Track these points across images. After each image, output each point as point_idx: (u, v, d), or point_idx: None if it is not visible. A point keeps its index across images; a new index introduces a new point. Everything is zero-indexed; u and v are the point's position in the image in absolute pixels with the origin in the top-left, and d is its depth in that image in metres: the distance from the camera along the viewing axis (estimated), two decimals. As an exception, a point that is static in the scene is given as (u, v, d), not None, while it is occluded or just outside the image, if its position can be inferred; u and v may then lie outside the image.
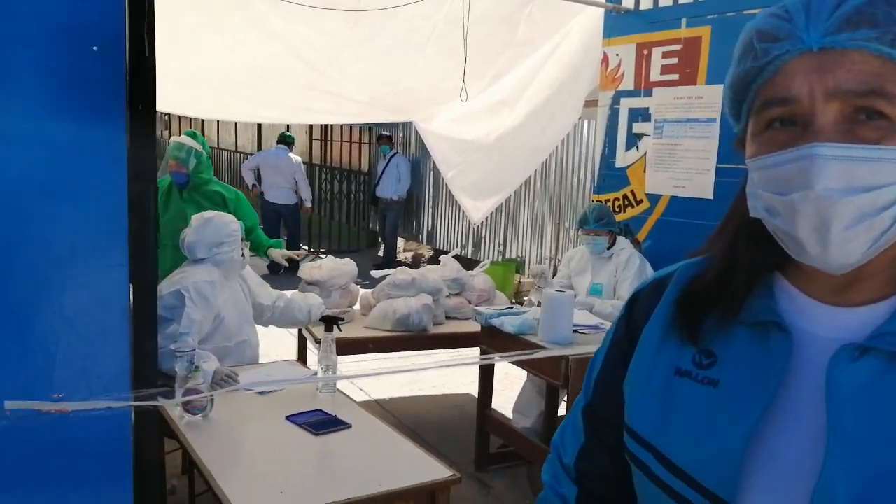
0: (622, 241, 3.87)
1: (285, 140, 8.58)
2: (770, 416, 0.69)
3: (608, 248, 3.79)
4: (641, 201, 4.11)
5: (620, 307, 0.91)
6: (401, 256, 9.97)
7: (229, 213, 3.38)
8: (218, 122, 14.32)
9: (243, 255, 3.05)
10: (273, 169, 8.42)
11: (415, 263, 9.52)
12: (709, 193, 3.72)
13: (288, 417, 2.41)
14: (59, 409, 1.66)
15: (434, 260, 9.04)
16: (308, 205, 8.67)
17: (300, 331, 3.88)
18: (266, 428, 2.39)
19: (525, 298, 5.56)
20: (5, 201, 1.60)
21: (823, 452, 0.65)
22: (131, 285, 1.76)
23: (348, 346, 3.52)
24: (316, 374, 2.76)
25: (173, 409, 2.39)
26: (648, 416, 0.78)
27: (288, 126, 10.09)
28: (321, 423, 2.37)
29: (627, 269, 3.70)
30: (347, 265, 3.75)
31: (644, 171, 4.06)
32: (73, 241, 1.65)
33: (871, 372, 0.65)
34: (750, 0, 3.43)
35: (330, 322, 2.69)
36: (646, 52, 4.05)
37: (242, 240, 3.08)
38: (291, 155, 8.50)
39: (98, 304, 1.68)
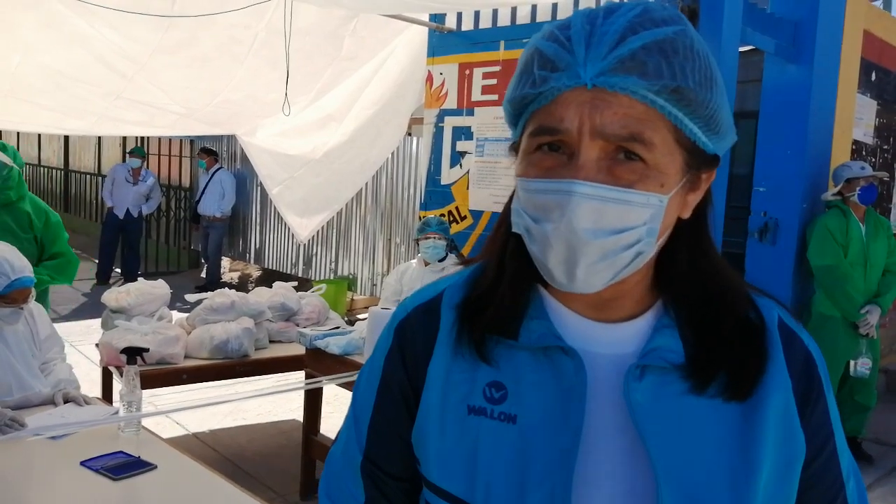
0: (452, 258, 3.91)
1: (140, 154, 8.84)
2: (580, 445, 0.69)
3: (440, 261, 3.80)
4: (465, 217, 4.18)
5: None
6: (226, 277, 9.48)
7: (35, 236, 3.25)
8: (18, 133, 12.94)
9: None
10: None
11: (242, 284, 9.10)
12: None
13: (83, 462, 2.14)
14: None
15: (263, 280, 8.71)
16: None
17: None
18: (57, 477, 2.11)
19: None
20: None
21: (646, 471, 0.68)
22: None
23: (159, 378, 3.24)
24: (118, 411, 2.49)
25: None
26: (453, 470, 0.73)
27: (138, 140, 9.91)
28: (121, 467, 2.13)
29: None
30: (159, 288, 3.45)
31: (467, 188, 4.14)
32: None
33: (654, 386, 0.70)
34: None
35: (132, 353, 2.44)
36: (467, 72, 4.14)
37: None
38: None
39: None
